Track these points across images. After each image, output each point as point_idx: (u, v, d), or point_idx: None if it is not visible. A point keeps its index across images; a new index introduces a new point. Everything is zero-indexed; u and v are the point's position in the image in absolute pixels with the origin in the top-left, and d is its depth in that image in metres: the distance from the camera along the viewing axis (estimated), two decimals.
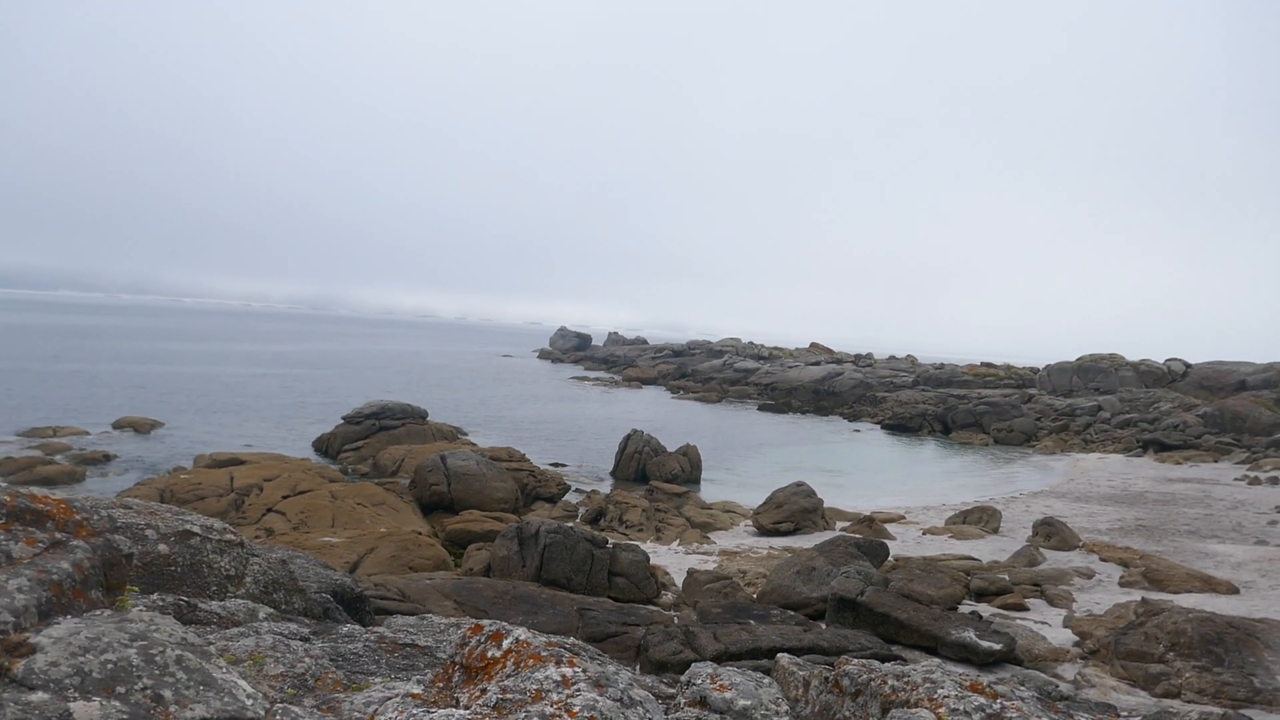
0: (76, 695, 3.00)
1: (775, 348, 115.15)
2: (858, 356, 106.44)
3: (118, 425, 40.72)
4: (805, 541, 24.93)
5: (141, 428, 40.71)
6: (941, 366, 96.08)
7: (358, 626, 6.06)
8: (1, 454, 31.73)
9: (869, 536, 23.71)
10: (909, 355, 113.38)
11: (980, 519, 28.30)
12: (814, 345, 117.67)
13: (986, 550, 24.53)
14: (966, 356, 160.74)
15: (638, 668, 12.19)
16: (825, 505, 29.25)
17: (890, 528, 27.60)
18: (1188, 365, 73.51)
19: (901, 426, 66.83)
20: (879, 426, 69.00)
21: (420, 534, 22.54)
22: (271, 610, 5.60)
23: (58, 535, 3.96)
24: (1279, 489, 35.89)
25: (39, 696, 2.94)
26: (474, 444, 38.20)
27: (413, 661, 5.20)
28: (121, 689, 3.08)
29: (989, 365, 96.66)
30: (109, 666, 3.15)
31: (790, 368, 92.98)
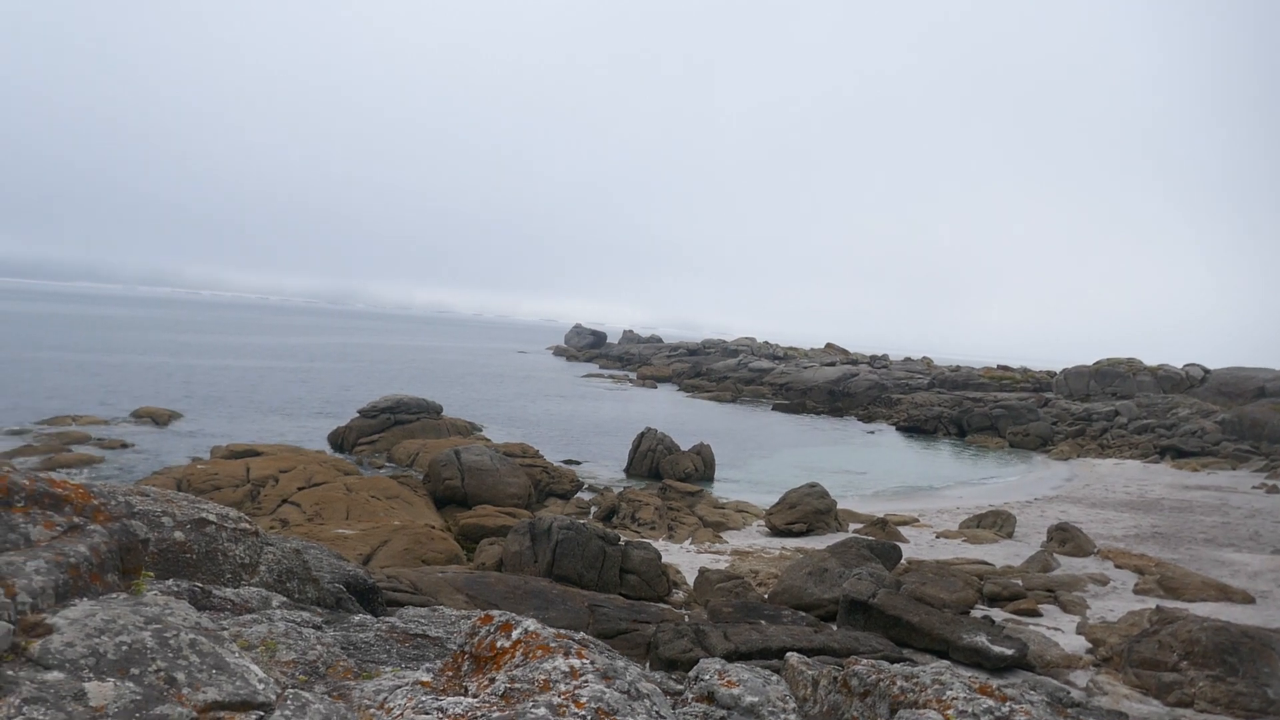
0: (91, 675, 3.04)
1: (790, 348, 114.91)
2: (873, 357, 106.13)
3: (136, 415, 41.02)
4: (818, 543, 24.88)
5: (160, 418, 40.98)
6: (957, 369, 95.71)
7: (369, 616, 6.11)
8: (22, 442, 32.04)
9: (882, 539, 23.64)
10: (925, 357, 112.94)
11: (995, 523, 28.18)
12: (829, 346, 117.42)
13: (1000, 555, 24.42)
14: (982, 359, 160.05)
15: (647, 665, 12.22)
16: (838, 507, 29.19)
17: (903, 530, 27.52)
18: (1206, 371, 72.96)
19: (917, 428, 66.62)
20: (894, 428, 68.80)
21: (433, 528, 22.62)
22: (285, 599, 5.65)
23: (75, 519, 4.01)
24: None
25: (54, 676, 2.99)
26: (488, 439, 38.28)
27: (423, 652, 5.24)
28: (135, 670, 3.12)
29: (1005, 368, 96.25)
30: (123, 648, 3.19)
31: (805, 368, 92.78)
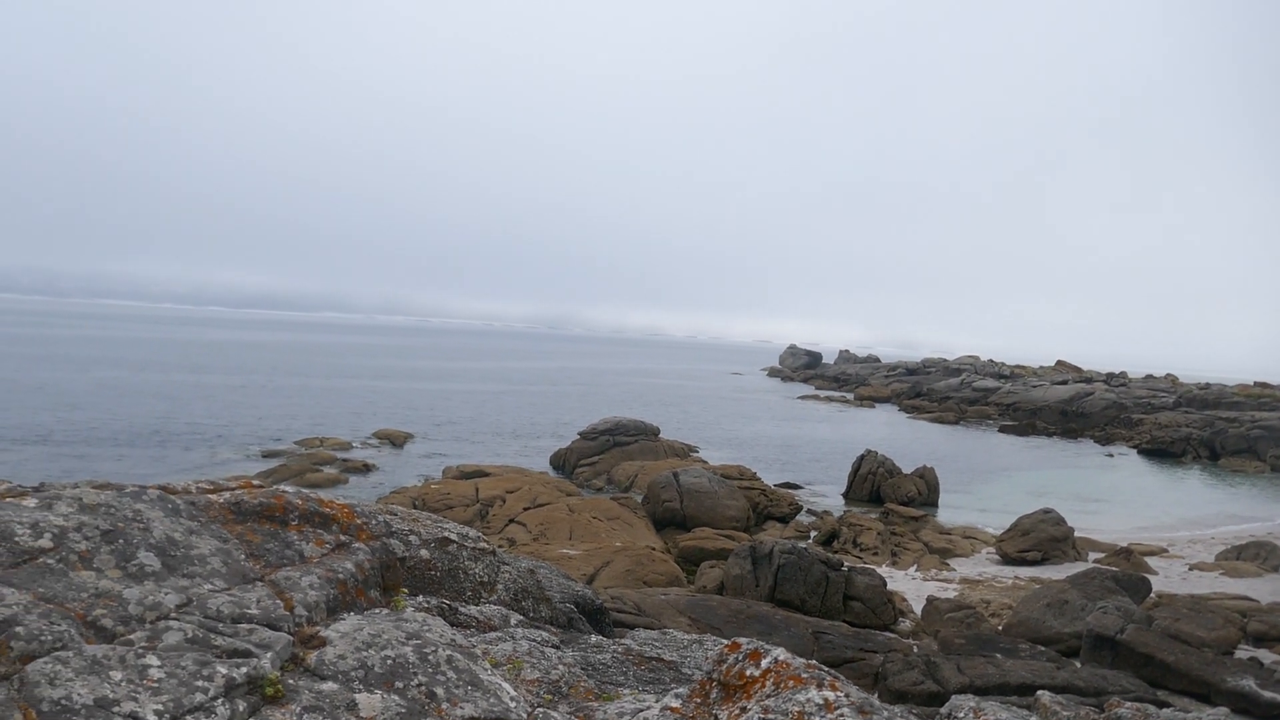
0: (361, 687, 3.20)
1: (1017, 366, 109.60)
2: (1110, 375, 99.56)
3: (376, 437, 43.91)
4: (1054, 572, 23.50)
5: (396, 440, 43.68)
6: (1207, 386, 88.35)
7: (604, 638, 6.19)
8: (278, 462, 34.86)
9: (1127, 570, 22.04)
10: (1169, 374, 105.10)
11: (1257, 555, 25.73)
12: (1060, 363, 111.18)
13: (1266, 590, 22.28)
14: (1237, 375, 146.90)
15: (875, 697, 11.83)
16: (1076, 534, 27.46)
17: (1150, 561, 25.58)
18: None
19: (1161, 451, 61.89)
20: (1135, 451, 64.20)
21: (654, 549, 22.88)
22: (521, 617, 5.81)
23: (342, 538, 4.26)
24: None
25: (329, 686, 3.16)
26: (705, 461, 38.44)
27: (659, 675, 5.25)
28: (400, 684, 3.27)
29: (1264, 385, 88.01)
30: (388, 662, 3.35)
31: (1034, 387, 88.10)
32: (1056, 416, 78.65)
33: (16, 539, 3.35)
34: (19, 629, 2.92)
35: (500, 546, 23.24)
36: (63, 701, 2.71)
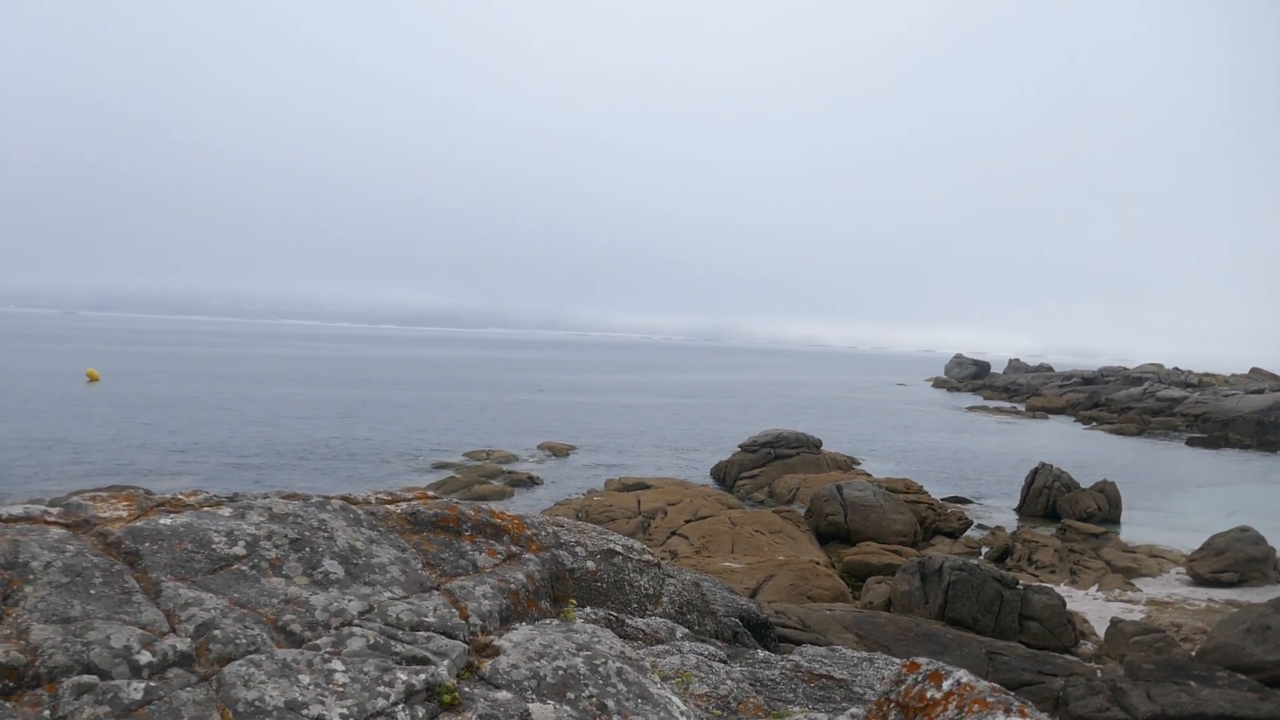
0: (534, 697, 3.23)
1: (1206, 374, 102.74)
2: None
3: (540, 448, 44.98)
4: (1253, 595, 21.85)
5: (559, 451, 44.60)
6: None
7: (770, 653, 6.09)
8: (447, 474, 36.07)
9: None
10: None
11: None
12: (1255, 371, 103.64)
13: None
14: None
15: None
16: (1278, 555, 25.48)
17: None
18: None
19: None
20: None
21: (818, 564, 22.50)
22: (686, 630, 5.77)
23: (513, 548, 4.34)
24: None
25: (503, 695, 3.20)
26: (868, 474, 37.61)
27: (829, 693, 5.11)
28: (571, 695, 3.28)
29: None
30: (560, 673, 3.37)
31: (1226, 396, 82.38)
32: (1252, 428, 73.22)
33: (213, 546, 3.55)
34: (216, 632, 3.07)
35: (663, 559, 23.35)
36: (256, 703, 2.83)
